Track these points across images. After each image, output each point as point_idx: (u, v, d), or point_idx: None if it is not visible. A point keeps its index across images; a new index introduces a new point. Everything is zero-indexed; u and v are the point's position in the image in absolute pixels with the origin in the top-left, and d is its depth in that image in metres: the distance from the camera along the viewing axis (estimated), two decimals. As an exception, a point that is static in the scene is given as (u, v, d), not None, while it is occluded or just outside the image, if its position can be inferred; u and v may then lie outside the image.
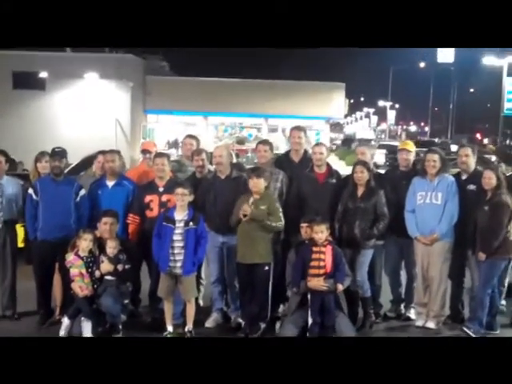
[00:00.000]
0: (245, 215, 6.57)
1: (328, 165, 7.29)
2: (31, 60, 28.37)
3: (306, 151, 7.47)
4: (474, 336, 6.66)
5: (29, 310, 7.26)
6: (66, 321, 6.54)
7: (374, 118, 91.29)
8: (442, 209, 6.97)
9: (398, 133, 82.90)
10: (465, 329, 6.74)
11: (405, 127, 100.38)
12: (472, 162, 7.22)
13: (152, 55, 34.96)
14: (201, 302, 7.56)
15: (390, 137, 72.86)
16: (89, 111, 29.38)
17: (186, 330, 6.58)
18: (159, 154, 7.38)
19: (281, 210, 6.74)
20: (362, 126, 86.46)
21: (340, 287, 6.55)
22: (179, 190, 6.51)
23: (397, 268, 7.55)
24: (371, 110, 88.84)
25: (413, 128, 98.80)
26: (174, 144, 30.69)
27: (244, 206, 6.60)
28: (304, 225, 6.70)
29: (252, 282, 6.69)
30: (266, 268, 6.68)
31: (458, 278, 7.31)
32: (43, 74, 29.81)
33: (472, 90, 76.43)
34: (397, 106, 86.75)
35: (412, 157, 7.42)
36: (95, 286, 6.58)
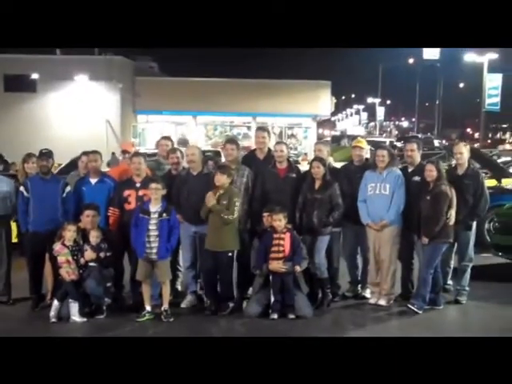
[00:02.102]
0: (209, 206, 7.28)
1: (288, 161, 8.07)
2: (22, 63, 28.89)
3: (269, 149, 8.19)
4: (418, 311, 7.41)
5: (23, 297, 7.92)
6: (55, 303, 7.26)
7: (365, 115, 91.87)
8: (390, 198, 7.72)
9: (389, 129, 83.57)
10: (409, 305, 7.45)
11: (396, 123, 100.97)
12: (417, 156, 7.99)
13: (141, 56, 35.53)
14: (179, 287, 8.28)
15: (382, 132, 73.47)
16: (80, 112, 29.93)
17: (162, 309, 7.30)
18: (136, 154, 8.17)
19: (237, 205, 7.40)
20: (351, 123, 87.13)
21: (297, 269, 7.35)
22: (153, 185, 7.28)
23: (353, 252, 8.29)
24: (361, 107, 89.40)
25: (405, 124, 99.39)
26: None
27: (209, 197, 7.32)
28: (265, 214, 7.51)
29: (217, 266, 7.43)
30: (230, 254, 7.42)
31: (407, 260, 8.08)
32: (34, 76, 30.34)
33: (462, 86, 76.99)
34: (388, 102, 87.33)
35: (364, 153, 8.21)
36: (81, 271, 7.34)
